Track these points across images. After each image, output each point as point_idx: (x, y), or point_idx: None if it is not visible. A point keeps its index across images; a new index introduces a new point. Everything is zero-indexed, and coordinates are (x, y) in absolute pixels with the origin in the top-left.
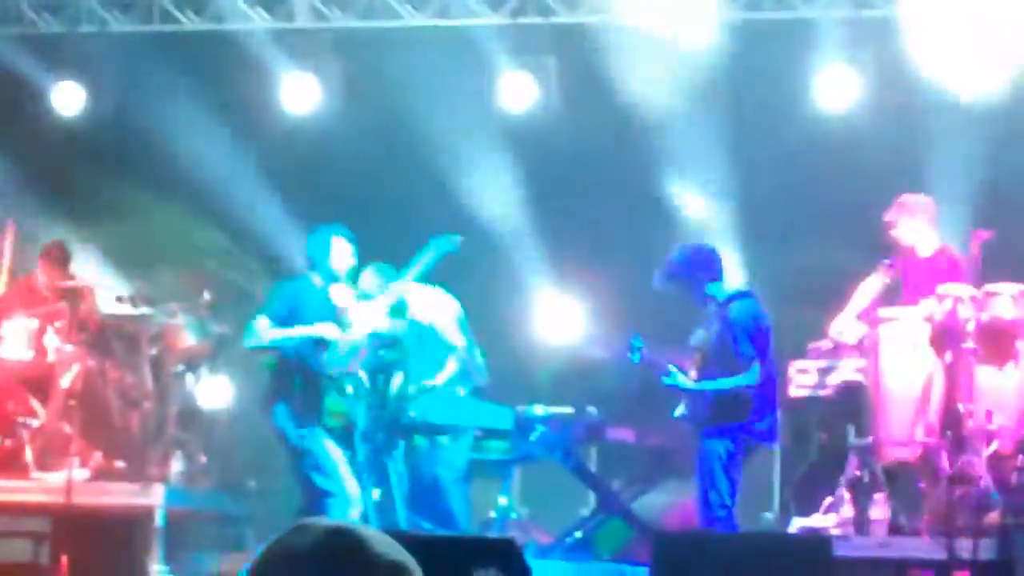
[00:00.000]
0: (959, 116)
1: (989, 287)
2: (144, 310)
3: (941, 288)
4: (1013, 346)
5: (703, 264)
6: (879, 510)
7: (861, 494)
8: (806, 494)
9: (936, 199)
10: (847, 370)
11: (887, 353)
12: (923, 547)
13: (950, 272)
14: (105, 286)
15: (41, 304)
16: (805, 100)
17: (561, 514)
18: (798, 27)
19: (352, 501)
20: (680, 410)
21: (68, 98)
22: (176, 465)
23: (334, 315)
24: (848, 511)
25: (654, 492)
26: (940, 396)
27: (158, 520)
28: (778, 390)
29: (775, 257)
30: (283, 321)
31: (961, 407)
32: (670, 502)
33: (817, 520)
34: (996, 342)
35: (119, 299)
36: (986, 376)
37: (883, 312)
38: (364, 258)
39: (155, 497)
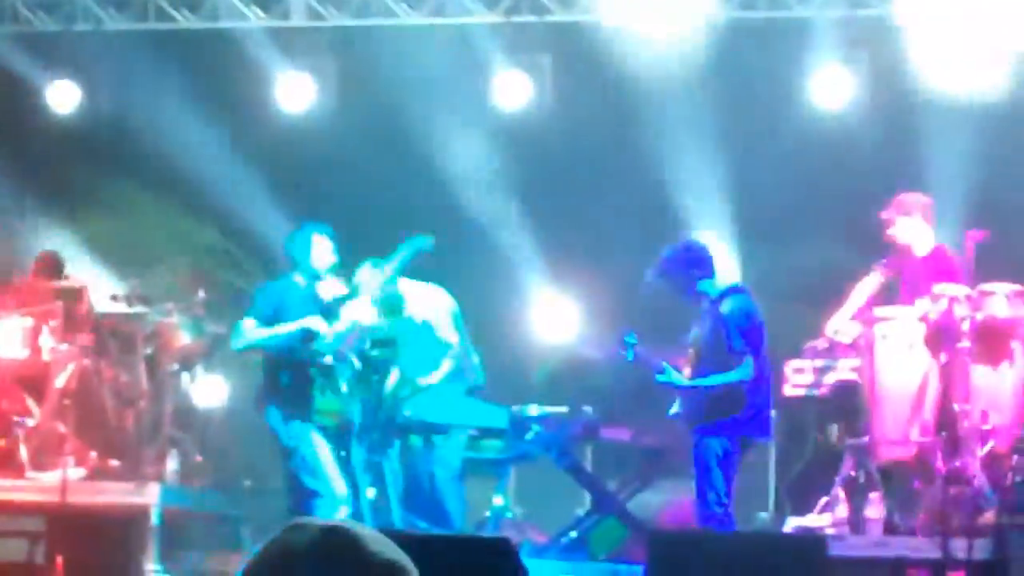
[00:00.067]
0: (954, 115)
1: (984, 287)
2: (139, 309)
3: (937, 288)
4: (1008, 346)
5: (695, 261)
6: (874, 509)
7: (856, 493)
8: (801, 493)
9: (930, 198)
10: (843, 369)
11: (883, 352)
12: (918, 546)
13: (946, 271)
14: (100, 285)
15: (36, 303)
16: (800, 99)
17: (557, 513)
18: (793, 26)
19: (339, 501)
20: (675, 408)
21: (63, 96)
22: (171, 464)
23: (319, 312)
24: (843, 510)
25: (649, 491)
26: (935, 396)
27: (153, 519)
28: (772, 386)
29: (771, 256)
30: (268, 321)
31: (956, 407)
32: (666, 501)
33: (812, 519)
34: (991, 342)
35: (114, 298)
36: (981, 376)
37: (879, 311)
38: (358, 255)
39: (150, 496)
